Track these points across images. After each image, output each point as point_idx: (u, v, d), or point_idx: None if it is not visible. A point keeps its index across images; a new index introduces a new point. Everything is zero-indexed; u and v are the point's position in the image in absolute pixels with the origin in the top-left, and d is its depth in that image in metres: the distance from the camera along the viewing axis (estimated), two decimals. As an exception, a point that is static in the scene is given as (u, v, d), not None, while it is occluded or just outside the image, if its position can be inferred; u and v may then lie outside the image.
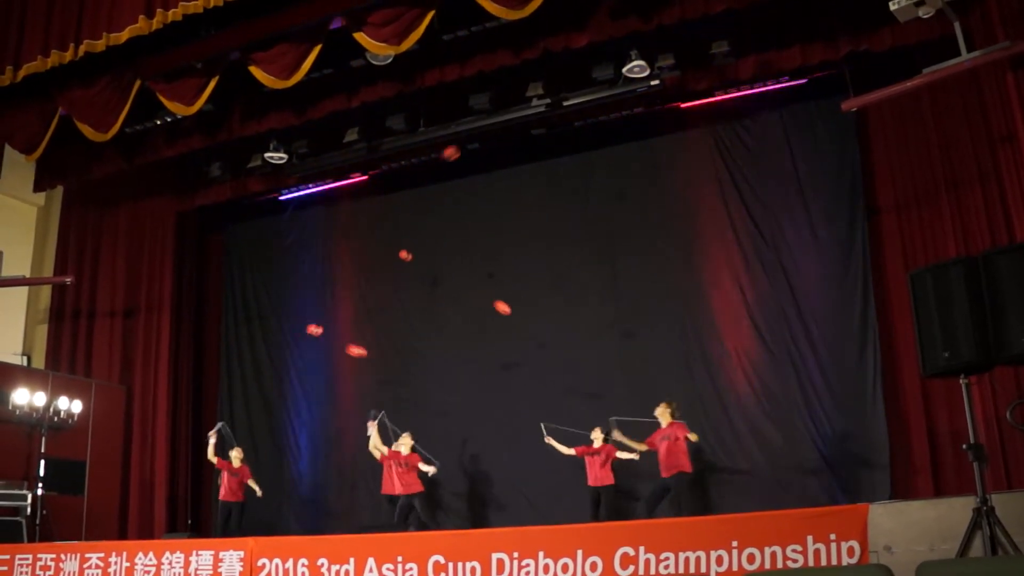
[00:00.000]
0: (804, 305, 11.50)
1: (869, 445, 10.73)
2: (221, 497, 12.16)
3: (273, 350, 14.80)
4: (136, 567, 9.70)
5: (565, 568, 7.70)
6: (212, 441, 12.25)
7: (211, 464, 12.53)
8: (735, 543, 7.07)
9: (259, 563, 9.12)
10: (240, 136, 12.63)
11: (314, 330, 12.43)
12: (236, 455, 12.27)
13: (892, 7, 8.70)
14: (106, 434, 13.39)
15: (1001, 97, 9.28)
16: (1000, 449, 9.33)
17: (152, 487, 13.61)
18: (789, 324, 11.53)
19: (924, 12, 8.68)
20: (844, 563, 6.71)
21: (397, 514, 11.32)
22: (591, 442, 10.83)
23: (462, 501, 12.76)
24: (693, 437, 10.13)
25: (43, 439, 12.28)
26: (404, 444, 11.52)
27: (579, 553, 7.66)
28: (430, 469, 11.33)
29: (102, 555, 9.92)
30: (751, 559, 7.01)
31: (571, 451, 10.92)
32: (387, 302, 14.10)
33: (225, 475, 12.14)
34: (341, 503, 13.58)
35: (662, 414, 10.33)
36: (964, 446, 6.53)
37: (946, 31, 9.23)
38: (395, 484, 11.40)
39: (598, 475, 10.68)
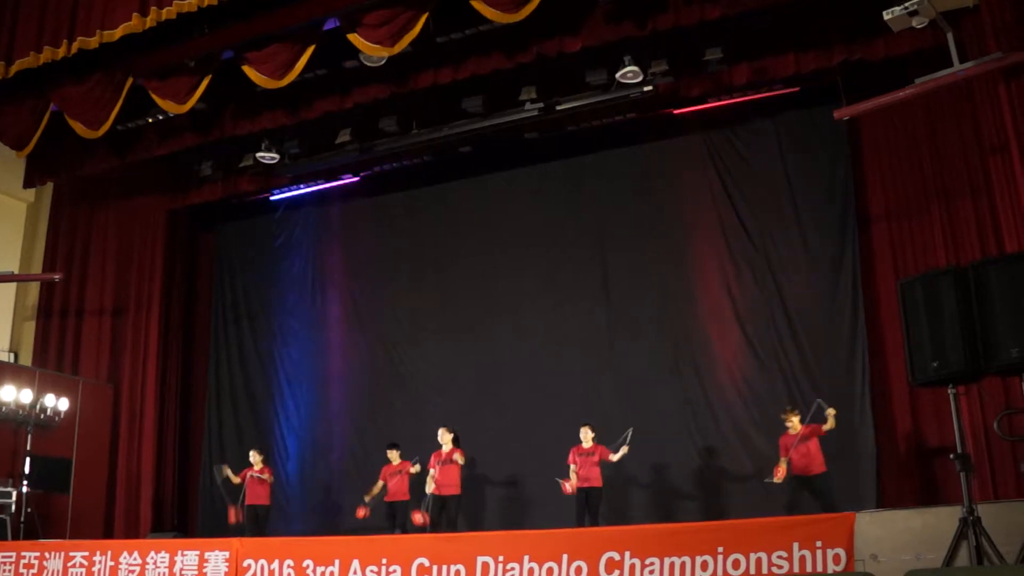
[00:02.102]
0: (793, 313, 11.51)
1: (857, 453, 10.73)
2: (247, 502, 11.88)
3: (262, 350, 14.76)
4: (121, 566, 9.68)
5: (550, 572, 7.71)
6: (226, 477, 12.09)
7: (197, 464, 12.43)
8: (720, 549, 7.09)
9: (244, 564, 9.11)
10: (232, 135, 12.61)
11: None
12: (256, 459, 12.10)
13: (886, 16, 8.73)
14: (93, 432, 13.34)
15: (993, 108, 9.31)
16: (987, 459, 9.35)
17: (138, 486, 13.55)
18: (778, 331, 11.54)
19: (917, 22, 8.71)
20: (830, 570, 6.72)
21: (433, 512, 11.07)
22: (580, 442, 10.75)
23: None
24: (830, 421, 9.70)
25: (29, 436, 12.22)
26: (445, 440, 11.22)
27: (564, 557, 7.66)
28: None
29: (86, 554, 9.90)
30: (736, 565, 7.01)
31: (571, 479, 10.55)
32: (377, 304, 14.08)
33: (248, 481, 11.99)
34: (327, 505, 13.54)
35: (793, 423, 9.93)
36: (951, 456, 6.55)
37: (939, 41, 9.26)
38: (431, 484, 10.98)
39: (587, 475, 10.60)
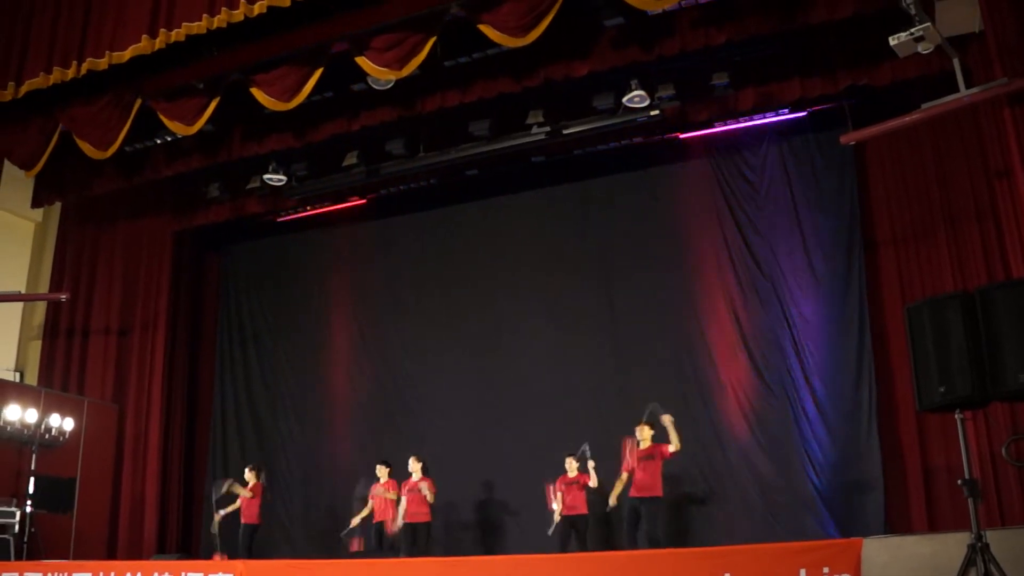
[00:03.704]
0: (800, 337, 11.48)
1: (864, 479, 10.68)
2: (243, 521, 11.88)
3: (267, 372, 14.77)
4: (123, 587, 9.66)
5: (556, 597, 7.65)
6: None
7: (201, 485, 12.37)
8: (727, 575, 7.03)
9: (248, 586, 9.07)
10: (240, 157, 12.66)
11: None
12: (250, 476, 12.07)
13: (892, 42, 8.74)
14: (97, 453, 13.33)
15: (998, 133, 9.32)
16: (994, 485, 9.30)
17: (142, 508, 13.53)
18: (785, 356, 11.51)
19: (923, 48, 8.72)
20: (837, 597, 6.67)
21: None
22: (565, 472, 10.79)
23: (455, 528, 12.68)
24: (674, 440, 9.83)
25: (33, 456, 12.19)
26: (415, 469, 11.38)
27: (570, 582, 7.62)
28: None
29: (89, 574, 9.86)
30: (743, 591, 6.96)
31: (555, 498, 10.73)
32: (383, 326, 14.09)
33: (243, 499, 11.97)
34: (331, 527, 13.47)
35: (645, 436, 10.08)
36: (959, 481, 6.50)
37: (945, 67, 9.28)
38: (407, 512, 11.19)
39: (573, 503, 10.63)
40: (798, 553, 7.01)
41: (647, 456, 9.95)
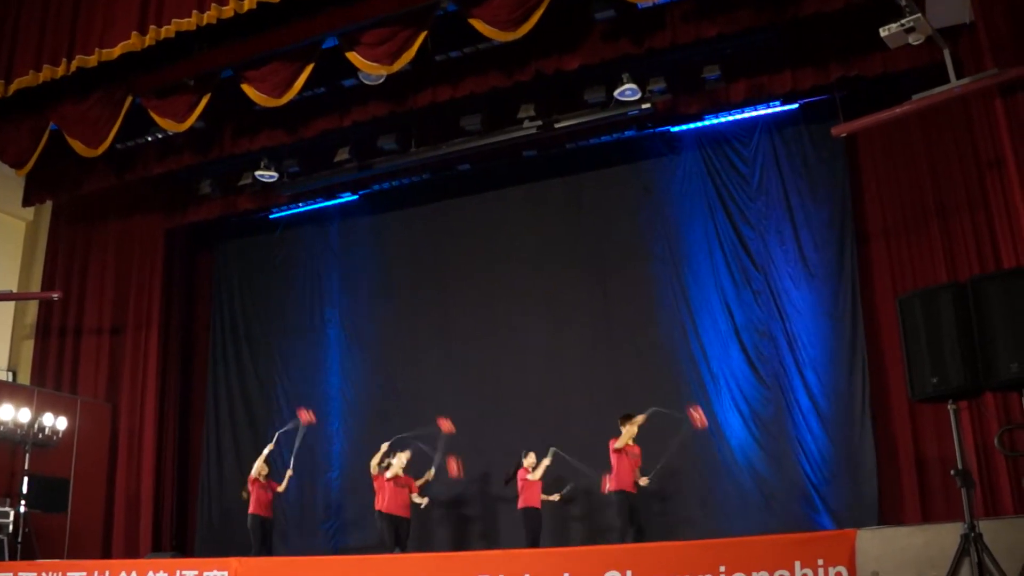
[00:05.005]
0: (793, 329, 11.49)
1: (857, 470, 10.70)
2: (251, 511, 11.83)
3: (261, 369, 14.73)
4: (118, 586, 9.65)
5: (552, 591, 7.66)
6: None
7: (195, 483, 12.33)
8: (723, 568, 7.06)
9: (243, 583, 9.07)
10: (231, 154, 12.63)
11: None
12: (263, 469, 12.07)
13: (882, 33, 8.74)
14: (91, 452, 13.30)
15: (989, 124, 9.34)
16: (986, 475, 9.33)
17: (137, 506, 13.50)
18: (777, 348, 11.52)
19: (914, 39, 8.72)
20: (832, 588, 6.70)
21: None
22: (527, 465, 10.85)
23: (451, 521, 12.69)
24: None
25: (27, 456, 12.14)
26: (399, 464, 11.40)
27: (565, 576, 7.63)
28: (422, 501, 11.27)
29: (84, 574, 9.87)
30: (738, 583, 6.98)
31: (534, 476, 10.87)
32: (376, 322, 14.06)
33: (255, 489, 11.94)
34: (327, 524, 13.49)
35: (631, 428, 10.17)
36: (952, 472, 6.52)
37: (936, 58, 9.29)
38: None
39: (530, 498, 10.70)
40: (792, 545, 7.04)
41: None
